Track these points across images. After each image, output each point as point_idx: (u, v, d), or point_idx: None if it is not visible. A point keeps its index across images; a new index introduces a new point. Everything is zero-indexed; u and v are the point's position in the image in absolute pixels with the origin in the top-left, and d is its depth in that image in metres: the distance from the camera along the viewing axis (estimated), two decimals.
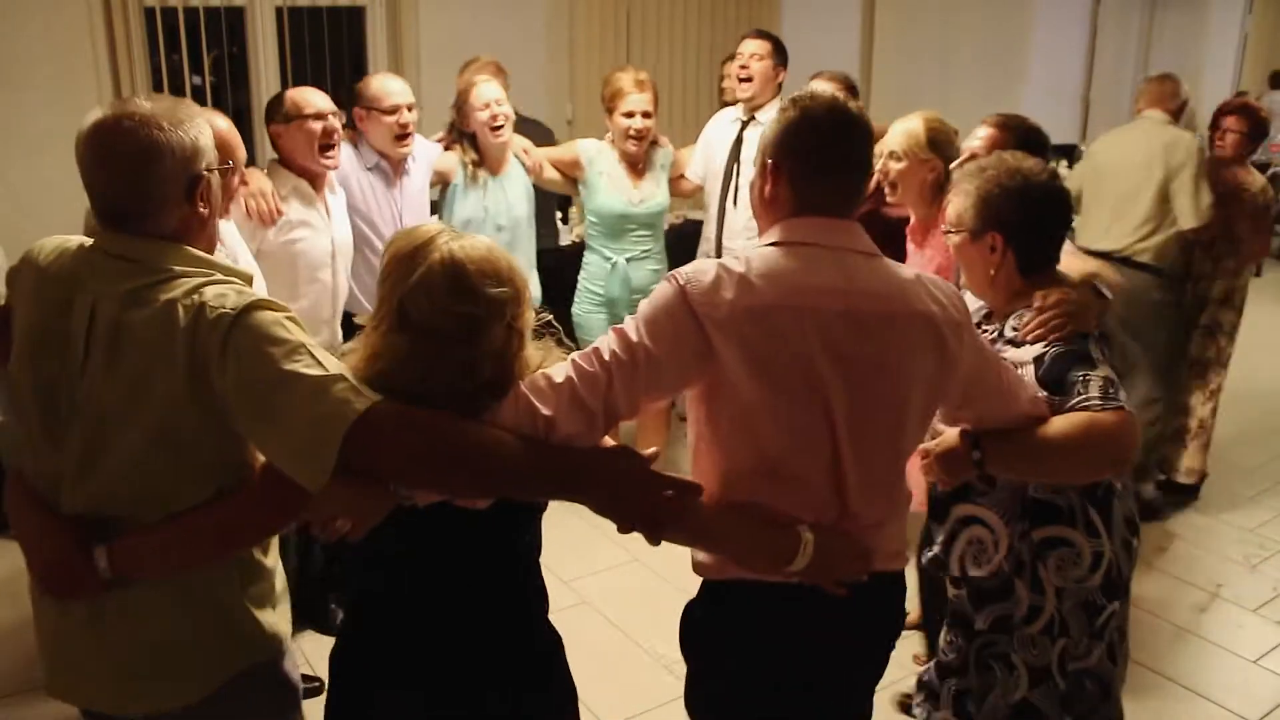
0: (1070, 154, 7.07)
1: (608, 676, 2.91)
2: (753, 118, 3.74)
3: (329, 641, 1.67)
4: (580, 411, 1.43)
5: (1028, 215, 1.82)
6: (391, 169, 3.23)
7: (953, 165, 2.59)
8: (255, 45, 4.82)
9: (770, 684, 1.60)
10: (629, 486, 1.43)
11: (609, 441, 1.51)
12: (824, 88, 3.44)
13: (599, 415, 1.44)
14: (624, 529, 1.44)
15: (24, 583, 1.57)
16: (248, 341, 1.37)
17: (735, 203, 3.74)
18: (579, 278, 3.88)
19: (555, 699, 1.68)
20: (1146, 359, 3.98)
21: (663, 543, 1.49)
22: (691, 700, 1.71)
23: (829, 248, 1.54)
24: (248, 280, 1.52)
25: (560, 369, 1.46)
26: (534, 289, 3.66)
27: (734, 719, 1.65)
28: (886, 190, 2.78)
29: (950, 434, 1.75)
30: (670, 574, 3.30)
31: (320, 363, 1.37)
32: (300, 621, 2.57)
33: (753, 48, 3.71)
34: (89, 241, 1.51)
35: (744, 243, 3.68)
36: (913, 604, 2.39)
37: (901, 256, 2.94)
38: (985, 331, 1.90)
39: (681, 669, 1.73)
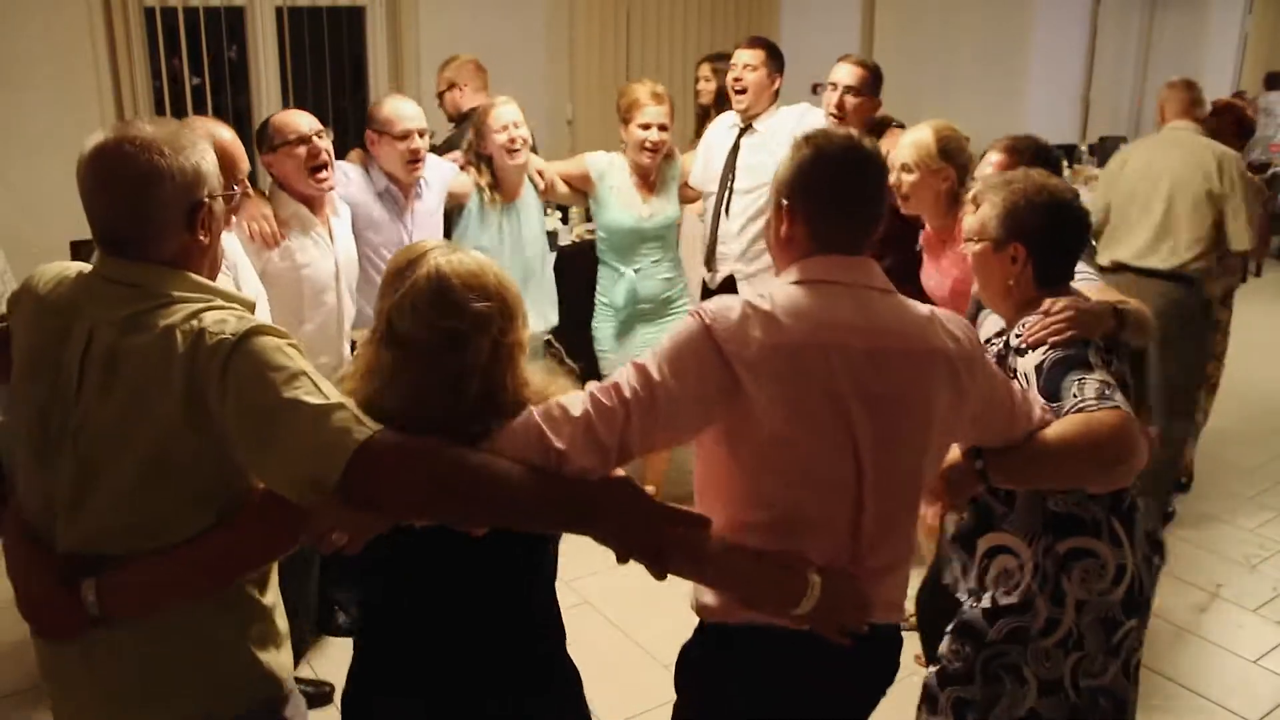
0: (1071, 154, 7.07)
1: (608, 676, 2.90)
2: (750, 126, 3.70)
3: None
4: (594, 447, 1.40)
5: (1052, 229, 1.86)
6: (403, 192, 3.19)
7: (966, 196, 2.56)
8: (255, 45, 4.83)
9: None
10: (637, 519, 1.41)
11: (619, 472, 1.48)
12: (848, 70, 3.46)
13: (613, 451, 1.41)
14: (623, 559, 1.42)
15: None
16: (248, 367, 1.34)
17: (728, 211, 3.69)
18: (596, 293, 3.82)
19: (556, 701, 1.68)
20: (1163, 385, 3.90)
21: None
22: None
23: (847, 284, 1.54)
24: (250, 307, 1.50)
25: (578, 401, 1.43)
26: (551, 317, 3.66)
27: None
28: (900, 203, 2.73)
29: (951, 453, 1.75)
30: (671, 575, 3.29)
31: (321, 390, 1.34)
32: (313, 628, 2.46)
33: (746, 58, 3.65)
34: (88, 268, 1.50)
35: (736, 248, 3.68)
36: (911, 604, 2.39)
37: (915, 255, 2.93)
38: (994, 345, 1.91)
39: None
